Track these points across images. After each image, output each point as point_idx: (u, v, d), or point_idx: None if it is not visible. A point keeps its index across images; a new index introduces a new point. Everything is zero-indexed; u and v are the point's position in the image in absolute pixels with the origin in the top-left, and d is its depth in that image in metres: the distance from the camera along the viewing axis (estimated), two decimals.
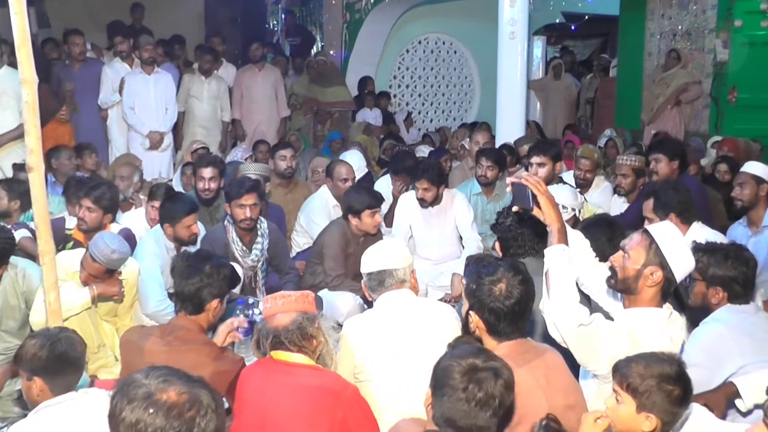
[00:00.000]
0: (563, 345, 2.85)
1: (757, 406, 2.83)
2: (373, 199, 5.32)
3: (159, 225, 4.91)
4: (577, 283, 3.04)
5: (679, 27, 10.01)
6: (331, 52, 12.08)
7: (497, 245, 3.95)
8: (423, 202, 5.86)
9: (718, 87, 9.50)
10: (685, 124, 9.82)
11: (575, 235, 3.24)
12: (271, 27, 14.41)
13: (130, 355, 3.28)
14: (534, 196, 2.95)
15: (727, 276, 3.30)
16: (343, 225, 5.37)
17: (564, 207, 4.45)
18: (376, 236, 5.32)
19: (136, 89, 7.88)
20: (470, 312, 2.77)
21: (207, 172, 5.63)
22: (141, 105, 7.88)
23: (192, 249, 4.66)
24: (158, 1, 10.92)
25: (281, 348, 2.85)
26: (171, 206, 4.83)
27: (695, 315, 3.45)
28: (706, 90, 9.67)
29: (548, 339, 3.25)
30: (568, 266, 2.88)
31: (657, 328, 2.81)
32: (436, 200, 5.89)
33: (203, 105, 8.61)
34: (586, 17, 11.60)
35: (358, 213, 5.24)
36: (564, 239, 2.91)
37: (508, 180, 3.13)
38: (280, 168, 6.63)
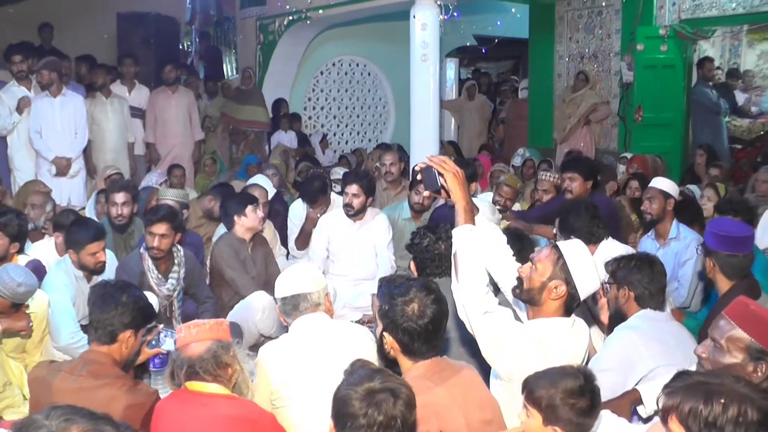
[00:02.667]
0: (471, 331, 2.89)
1: (656, 412, 2.93)
2: (249, 196, 5.64)
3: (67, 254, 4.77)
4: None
5: (586, 50, 10.41)
6: None
7: (413, 265, 4.01)
8: (349, 209, 5.87)
9: (624, 107, 9.92)
10: (595, 142, 10.20)
11: (492, 229, 3.29)
12: (185, 48, 14.24)
13: (39, 393, 3.16)
14: (441, 176, 2.95)
15: (634, 277, 3.45)
16: (227, 237, 5.51)
17: None
18: (264, 243, 5.56)
19: (42, 113, 7.47)
20: (384, 333, 2.76)
21: (119, 197, 5.54)
22: (47, 129, 7.50)
23: (103, 278, 4.55)
24: (68, 21, 10.72)
25: (196, 378, 2.80)
26: (75, 232, 4.68)
27: (613, 324, 3.57)
28: (614, 110, 10.08)
29: (464, 356, 3.32)
30: (476, 247, 2.90)
31: (562, 335, 2.88)
32: (362, 211, 5.93)
33: (110, 126, 8.34)
34: (497, 40, 11.87)
35: (242, 211, 5.42)
36: (471, 218, 2.94)
37: (416, 167, 3.13)
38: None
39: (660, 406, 2.06)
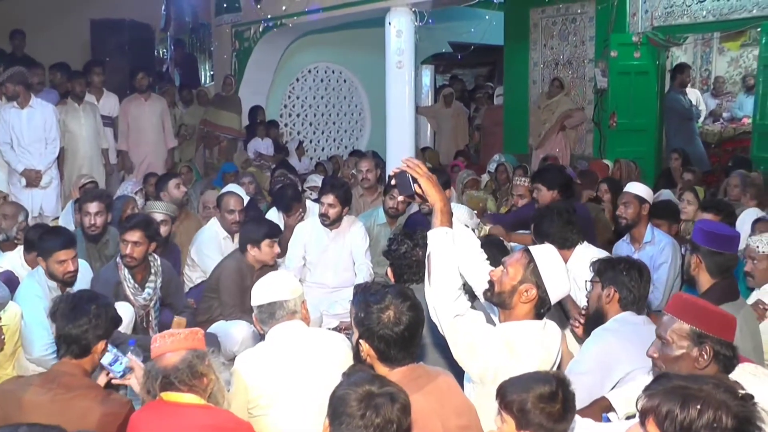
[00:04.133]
0: (442, 333, 2.90)
1: (628, 417, 2.94)
2: (272, 229, 5.32)
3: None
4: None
5: (561, 56, 10.50)
6: None
7: (390, 272, 4.01)
8: (325, 219, 5.87)
9: (599, 113, 10.02)
10: (570, 148, 10.28)
11: (467, 233, 3.30)
12: (160, 55, 14.16)
13: (9, 409, 3.07)
14: (416, 181, 2.95)
15: (622, 279, 3.47)
16: (239, 258, 5.31)
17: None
18: (273, 267, 5.29)
19: (11, 123, 7.36)
20: (360, 340, 2.76)
21: (92, 206, 5.46)
22: (17, 140, 7.39)
23: (74, 289, 4.49)
24: (40, 27, 10.61)
25: (171, 389, 2.77)
26: (44, 239, 4.59)
27: (590, 326, 3.58)
28: (589, 115, 10.18)
29: (440, 362, 3.32)
30: (451, 250, 2.90)
31: (532, 338, 2.90)
32: (338, 221, 5.92)
33: (83, 133, 8.22)
34: (472, 47, 11.93)
35: (257, 243, 5.21)
36: (447, 221, 2.94)
37: (392, 172, 3.13)
38: (175, 196, 6.55)
39: (639, 407, 2.07)
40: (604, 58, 9.79)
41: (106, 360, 3.31)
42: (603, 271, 3.54)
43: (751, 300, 4.39)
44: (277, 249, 5.30)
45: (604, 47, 9.76)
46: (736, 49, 13.07)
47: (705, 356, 2.59)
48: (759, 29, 9.20)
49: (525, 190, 6.40)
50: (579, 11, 10.17)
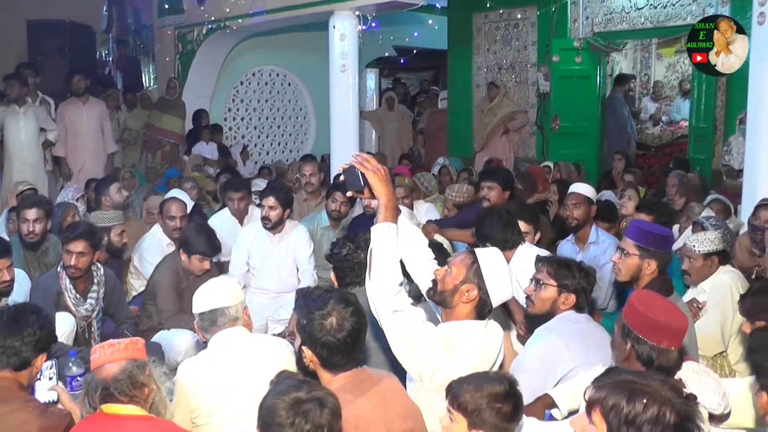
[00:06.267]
0: (382, 327, 2.91)
1: (571, 413, 2.99)
2: (209, 248, 5.23)
3: None
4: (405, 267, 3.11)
5: (504, 61, 10.65)
6: None
7: (333, 275, 4.01)
8: (266, 222, 5.84)
9: (542, 116, 10.19)
10: (514, 150, 10.39)
11: (413, 230, 3.32)
12: (103, 58, 13.93)
13: None
14: (364, 176, 2.94)
15: (580, 285, 3.50)
16: (176, 260, 5.27)
17: None
18: (211, 272, 5.25)
19: None
20: (303, 347, 2.75)
21: (31, 213, 5.30)
22: None
23: (10, 299, 4.39)
24: None
25: (111, 400, 2.72)
26: None
27: (534, 323, 3.63)
28: (532, 119, 10.31)
29: (384, 364, 3.33)
30: (393, 245, 2.90)
31: (472, 337, 2.93)
32: (280, 224, 5.90)
33: (22, 138, 8.04)
34: (415, 51, 12.02)
35: (189, 254, 5.17)
36: (392, 216, 2.93)
37: (339, 167, 3.13)
38: (116, 201, 6.47)
39: (587, 398, 2.12)
40: (546, 62, 9.97)
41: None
42: (562, 277, 3.52)
43: (686, 298, 4.53)
44: (206, 266, 5.21)
45: (546, 52, 9.93)
46: (671, 56, 13.41)
47: (627, 347, 2.73)
48: None
49: (451, 204, 6.53)
50: (521, 17, 10.31)
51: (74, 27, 10.85)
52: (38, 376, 3.43)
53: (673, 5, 8.91)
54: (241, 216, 6.60)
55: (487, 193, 5.92)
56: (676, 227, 5.89)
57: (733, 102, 8.33)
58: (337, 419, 2.26)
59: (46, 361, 3.27)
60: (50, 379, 3.45)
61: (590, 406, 2.10)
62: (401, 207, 5.36)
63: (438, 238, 5.49)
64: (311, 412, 2.20)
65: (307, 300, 2.80)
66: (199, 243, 5.17)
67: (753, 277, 5.02)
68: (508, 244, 4.57)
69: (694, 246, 4.49)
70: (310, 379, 2.71)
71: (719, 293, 4.42)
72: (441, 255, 3.95)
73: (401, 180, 7.09)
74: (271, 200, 5.81)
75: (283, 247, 5.98)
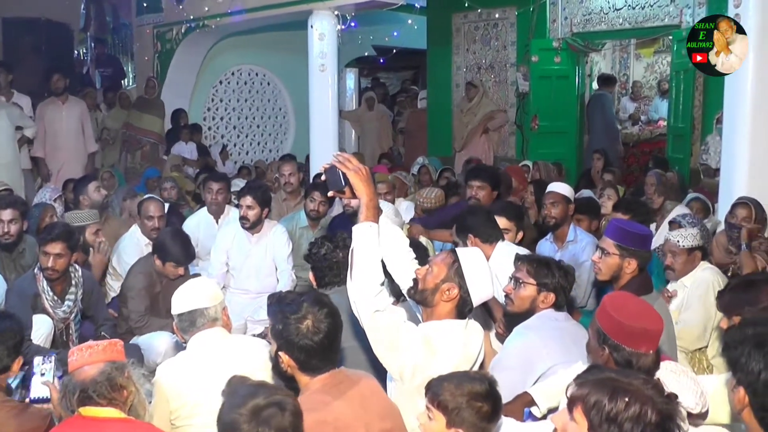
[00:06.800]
0: (363, 327, 2.91)
1: (550, 411, 3.00)
2: (183, 256, 5.20)
3: None
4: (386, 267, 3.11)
5: (483, 61, 10.68)
6: None
7: (311, 275, 4.00)
8: (245, 221, 5.82)
9: (521, 116, 10.23)
10: (494, 150, 10.43)
11: (395, 230, 3.32)
12: (81, 56, 13.80)
13: None
14: (345, 176, 2.93)
15: (559, 284, 3.51)
16: (149, 264, 5.25)
17: None
18: (185, 277, 5.22)
19: None
20: (279, 352, 2.74)
21: (6, 214, 5.24)
22: None
23: None
24: None
25: (90, 403, 2.69)
26: None
27: (513, 321, 3.62)
28: (512, 118, 10.35)
29: (363, 364, 3.33)
30: (374, 245, 2.90)
31: (453, 337, 2.94)
32: (258, 224, 5.88)
33: None
34: (395, 50, 12.03)
35: (162, 260, 5.15)
36: (373, 216, 2.93)
37: (321, 167, 3.14)
38: (95, 199, 6.41)
39: (568, 395, 2.13)
40: (525, 62, 10.01)
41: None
42: (541, 275, 3.53)
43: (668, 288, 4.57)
44: (179, 272, 5.18)
45: (526, 52, 9.98)
46: (649, 56, 13.53)
47: (604, 354, 2.69)
48: (671, 37, 9.54)
49: (420, 210, 6.57)
50: (500, 17, 10.35)
51: (51, 25, 10.75)
52: (33, 372, 3.41)
53: (651, 6, 8.98)
54: (217, 213, 6.55)
55: (476, 192, 5.92)
56: (653, 226, 5.94)
57: (711, 102, 8.41)
58: (300, 420, 2.26)
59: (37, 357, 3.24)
60: (43, 375, 3.42)
61: (572, 403, 2.10)
62: (384, 203, 5.45)
63: (422, 239, 5.50)
64: (273, 417, 2.19)
65: (281, 305, 2.79)
66: (173, 250, 5.14)
67: (729, 274, 5.06)
68: (490, 237, 4.60)
69: (678, 241, 4.50)
70: (286, 384, 2.71)
71: (701, 288, 4.44)
72: (422, 254, 3.97)
73: (383, 176, 7.11)
74: (248, 200, 5.79)
75: (261, 247, 5.96)
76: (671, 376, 2.74)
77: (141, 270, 5.24)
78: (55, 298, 4.77)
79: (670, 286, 4.64)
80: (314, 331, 2.68)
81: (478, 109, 10.33)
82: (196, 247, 5.87)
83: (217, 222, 6.53)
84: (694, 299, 4.47)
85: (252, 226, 5.85)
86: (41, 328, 4.55)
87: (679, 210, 5.92)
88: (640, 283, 3.76)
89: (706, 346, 4.43)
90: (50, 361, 3.35)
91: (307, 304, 2.73)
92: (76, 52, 13.43)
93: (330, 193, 3.07)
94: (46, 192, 6.97)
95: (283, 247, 5.97)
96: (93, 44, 13.51)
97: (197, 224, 6.39)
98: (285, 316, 2.72)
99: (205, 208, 6.64)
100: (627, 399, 2.00)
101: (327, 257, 3.92)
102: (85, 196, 6.48)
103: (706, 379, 3.16)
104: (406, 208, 6.82)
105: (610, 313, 2.71)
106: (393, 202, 6.59)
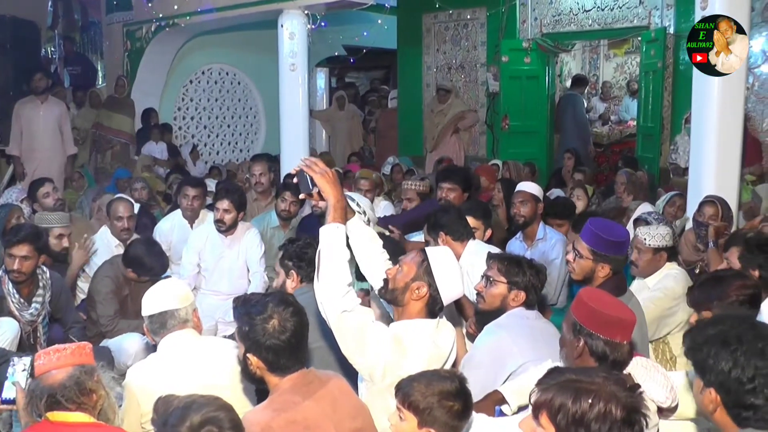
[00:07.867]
0: (331, 327, 2.92)
1: (521, 408, 3.02)
2: (158, 267, 5.18)
3: None
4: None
5: (454, 61, 10.73)
6: None
7: (294, 274, 3.99)
8: (221, 225, 5.79)
9: (492, 115, 10.29)
10: (464, 150, 10.46)
11: (366, 230, 3.33)
12: (49, 55, 13.62)
13: None
14: (312, 179, 2.98)
15: (531, 282, 3.53)
16: (116, 267, 5.21)
17: (360, 212, 4.47)
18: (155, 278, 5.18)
19: None
20: (248, 354, 2.73)
21: None
22: None
23: None
24: None
25: (58, 408, 2.64)
26: None
27: (484, 320, 3.63)
28: (482, 118, 10.39)
29: (332, 365, 3.33)
30: (341, 246, 2.93)
31: (423, 336, 2.95)
32: (234, 226, 5.85)
33: None
34: (365, 50, 12.03)
35: (138, 273, 5.13)
36: (341, 216, 2.97)
37: (291, 171, 3.16)
38: (47, 205, 6.30)
39: (532, 401, 2.13)
40: (495, 62, 10.07)
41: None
42: (512, 274, 3.54)
43: (632, 287, 4.58)
44: (143, 279, 5.15)
45: (496, 52, 10.03)
46: (621, 54, 13.65)
47: (579, 345, 2.72)
48: (640, 38, 9.63)
49: (414, 193, 6.51)
50: (470, 17, 10.41)
51: (17, 22, 10.56)
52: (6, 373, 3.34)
53: (620, 8, 9.08)
54: (192, 217, 6.45)
55: (447, 194, 5.93)
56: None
57: (679, 102, 8.52)
58: (240, 428, 2.27)
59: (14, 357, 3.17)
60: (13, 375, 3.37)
61: (537, 409, 2.10)
62: (361, 198, 5.44)
63: None
64: None
65: (246, 306, 2.78)
66: (144, 263, 5.11)
67: (697, 271, 5.13)
68: (462, 235, 4.63)
69: (645, 239, 4.50)
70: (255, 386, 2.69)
71: (666, 283, 4.44)
72: (396, 252, 3.98)
73: (368, 173, 7.09)
74: (225, 203, 5.76)
75: (235, 249, 5.94)
76: (642, 371, 2.77)
77: (107, 273, 5.18)
78: (22, 300, 4.68)
79: (636, 286, 4.64)
80: (281, 330, 2.67)
81: (449, 109, 10.37)
82: (168, 252, 5.84)
83: (191, 227, 6.45)
84: (657, 291, 4.44)
85: (228, 229, 5.82)
86: (7, 332, 4.46)
87: (644, 208, 5.98)
88: (615, 284, 3.78)
89: (667, 338, 4.45)
90: (25, 363, 3.29)
91: (272, 304, 2.72)
92: (43, 50, 13.24)
93: (301, 196, 3.10)
94: (12, 192, 6.88)
95: (255, 249, 5.95)
96: (61, 42, 13.34)
97: (171, 228, 6.33)
98: (251, 317, 2.71)
99: (179, 212, 6.53)
100: (590, 399, 2.01)
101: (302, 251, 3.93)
102: (37, 203, 6.40)
103: (673, 375, 3.19)
104: (384, 207, 6.81)
105: (586, 303, 2.74)
106: (373, 200, 6.59)
